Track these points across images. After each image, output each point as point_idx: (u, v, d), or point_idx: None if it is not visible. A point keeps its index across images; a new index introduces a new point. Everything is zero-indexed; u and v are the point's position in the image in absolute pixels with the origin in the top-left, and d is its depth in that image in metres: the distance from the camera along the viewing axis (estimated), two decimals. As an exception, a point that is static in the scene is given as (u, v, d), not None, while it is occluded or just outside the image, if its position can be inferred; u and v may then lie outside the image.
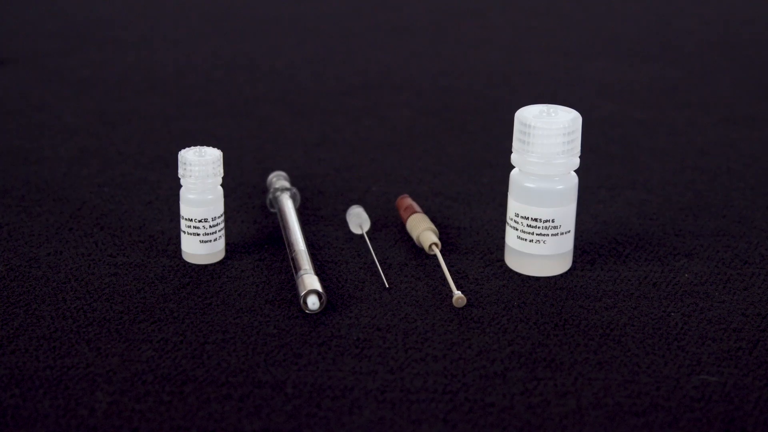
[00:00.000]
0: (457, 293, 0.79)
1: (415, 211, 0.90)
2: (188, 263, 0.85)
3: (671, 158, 1.04)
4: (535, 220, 0.82)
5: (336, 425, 0.68)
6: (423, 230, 0.87)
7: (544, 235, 0.82)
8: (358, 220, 0.90)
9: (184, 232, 0.85)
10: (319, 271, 0.83)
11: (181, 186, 0.85)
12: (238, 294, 0.81)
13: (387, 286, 0.83)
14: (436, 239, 0.86)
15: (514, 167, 0.84)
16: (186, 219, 0.85)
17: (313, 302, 0.79)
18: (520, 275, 0.84)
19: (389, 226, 0.92)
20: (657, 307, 0.80)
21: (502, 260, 0.86)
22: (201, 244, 0.85)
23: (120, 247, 0.87)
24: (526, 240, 0.83)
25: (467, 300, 0.80)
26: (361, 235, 0.89)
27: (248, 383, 0.71)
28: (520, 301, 0.81)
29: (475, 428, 0.68)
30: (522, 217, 0.82)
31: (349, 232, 0.90)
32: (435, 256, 0.85)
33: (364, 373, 0.72)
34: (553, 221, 0.82)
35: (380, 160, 1.07)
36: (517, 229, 0.83)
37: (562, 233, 0.82)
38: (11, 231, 0.89)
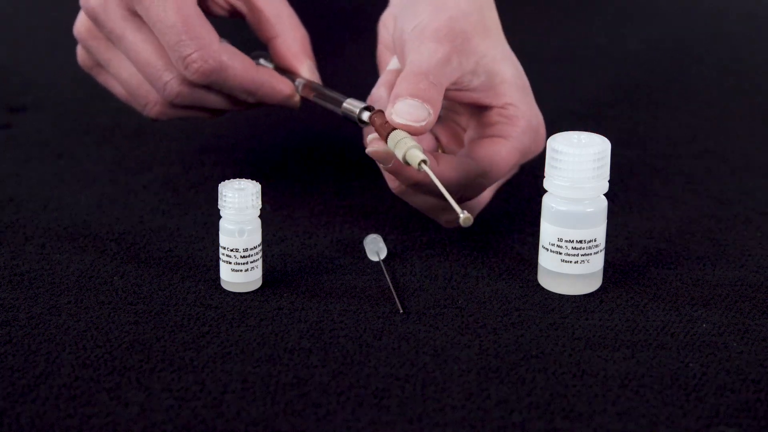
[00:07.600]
0: (463, 215, 0.78)
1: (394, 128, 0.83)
2: (208, 309, 0.86)
3: (688, 207, 1.04)
4: (580, 242, 0.86)
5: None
6: (409, 147, 0.81)
7: (588, 254, 0.87)
8: (375, 248, 0.91)
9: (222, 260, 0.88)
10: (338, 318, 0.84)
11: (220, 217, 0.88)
12: (257, 343, 0.81)
13: (402, 311, 0.83)
14: (423, 155, 0.80)
15: (545, 191, 0.88)
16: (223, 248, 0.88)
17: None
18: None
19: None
20: (675, 357, 0.80)
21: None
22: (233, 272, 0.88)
23: (140, 295, 0.88)
24: (571, 262, 0.87)
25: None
26: (378, 262, 0.90)
27: (268, 433, 0.71)
28: (538, 351, 0.81)
29: (494, 480, 0.68)
30: (566, 241, 0.86)
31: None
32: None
33: (383, 423, 0.73)
34: (595, 240, 0.87)
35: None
36: (561, 253, 0.87)
37: (600, 250, 0.88)
38: (32, 279, 0.90)
